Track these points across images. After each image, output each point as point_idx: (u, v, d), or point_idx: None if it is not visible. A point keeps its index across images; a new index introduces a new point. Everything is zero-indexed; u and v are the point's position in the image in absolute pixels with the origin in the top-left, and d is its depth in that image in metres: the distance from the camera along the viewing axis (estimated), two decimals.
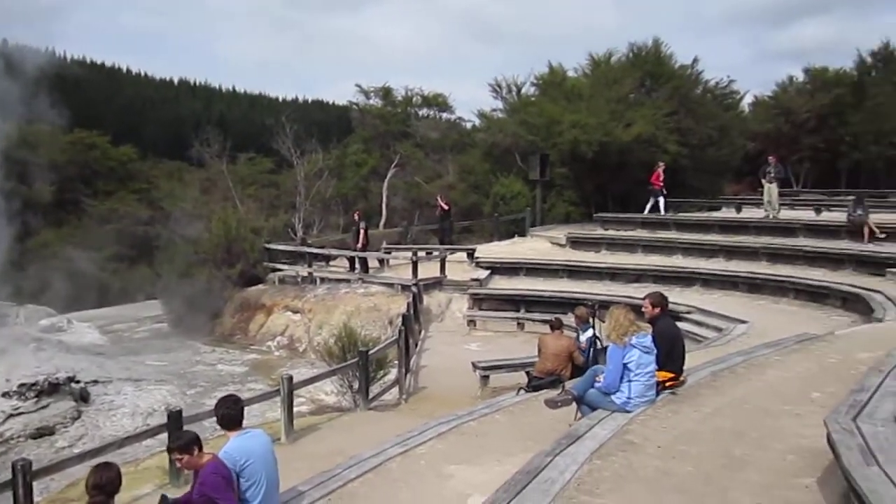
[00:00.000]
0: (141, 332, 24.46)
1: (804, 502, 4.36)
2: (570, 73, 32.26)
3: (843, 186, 35.59)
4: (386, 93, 37.54)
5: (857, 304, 14.13)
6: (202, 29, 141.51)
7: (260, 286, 23.48)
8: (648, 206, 24.96)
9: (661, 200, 24.72)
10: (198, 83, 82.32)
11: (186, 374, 17.83)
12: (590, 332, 9.78)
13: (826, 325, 12.48)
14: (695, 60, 31.64)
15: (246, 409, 5.86)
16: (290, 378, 10.52)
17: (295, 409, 11.06)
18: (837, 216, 20.81)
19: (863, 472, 3.47)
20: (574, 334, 10.84)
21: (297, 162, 33.05)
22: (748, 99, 40.41)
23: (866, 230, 18.29)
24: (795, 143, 38.73)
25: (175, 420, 8.63)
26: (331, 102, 71.08)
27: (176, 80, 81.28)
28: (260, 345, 20.58)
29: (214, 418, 5.75)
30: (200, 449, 5.16)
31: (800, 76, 41.59)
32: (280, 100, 77.47)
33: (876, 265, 16.45)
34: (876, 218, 18.98)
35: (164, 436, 8.54)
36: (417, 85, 55.83)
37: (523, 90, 32.93)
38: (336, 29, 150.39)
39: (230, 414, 5.46)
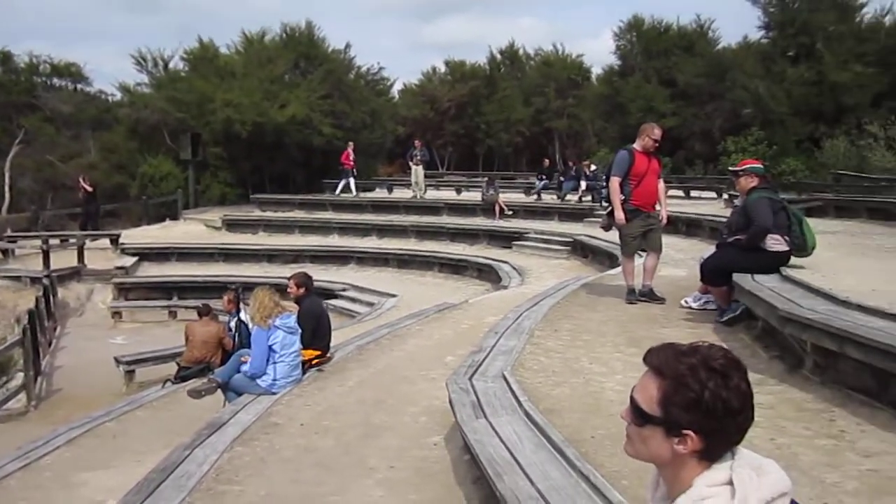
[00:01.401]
0: None
1: (432, 458, 4.65)
2: (223, 50, 31.09)
3: (480, 169, 39.49)
4: (5, 58, 32.61)
5: (490, 274, 15.82)
6: None
7: None
8: (340, 186, 25.45)
9: (353, 181, 25.38)
10: None
11: None
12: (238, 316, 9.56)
13: (465, 294, 13.65)
14: (347, 46, 32.46)
15: None
16: None
17: None
18: (474, 196, 23.10)
19: (472, 425, 3.79)
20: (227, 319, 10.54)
21: None
22: (398, 86, 42.78)
23: (497, 208, 20.61)
24: (440, 128, 42.05)
25: None
26: None
27: None
28: None
29: None
30: None
31: (442, 68, 45.13)
32: None
33: (505, 238, 18.68)
34: (505, 197, 21.59)
35: None
36: (54, 53, 49.21)
37: (171, 64, 30.96)
38: None
39: None
